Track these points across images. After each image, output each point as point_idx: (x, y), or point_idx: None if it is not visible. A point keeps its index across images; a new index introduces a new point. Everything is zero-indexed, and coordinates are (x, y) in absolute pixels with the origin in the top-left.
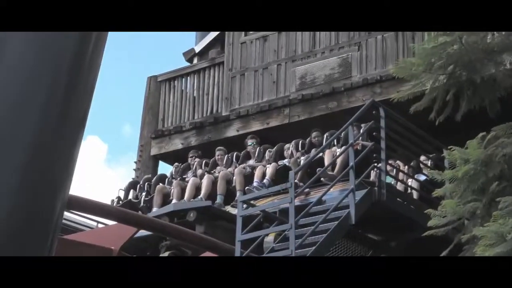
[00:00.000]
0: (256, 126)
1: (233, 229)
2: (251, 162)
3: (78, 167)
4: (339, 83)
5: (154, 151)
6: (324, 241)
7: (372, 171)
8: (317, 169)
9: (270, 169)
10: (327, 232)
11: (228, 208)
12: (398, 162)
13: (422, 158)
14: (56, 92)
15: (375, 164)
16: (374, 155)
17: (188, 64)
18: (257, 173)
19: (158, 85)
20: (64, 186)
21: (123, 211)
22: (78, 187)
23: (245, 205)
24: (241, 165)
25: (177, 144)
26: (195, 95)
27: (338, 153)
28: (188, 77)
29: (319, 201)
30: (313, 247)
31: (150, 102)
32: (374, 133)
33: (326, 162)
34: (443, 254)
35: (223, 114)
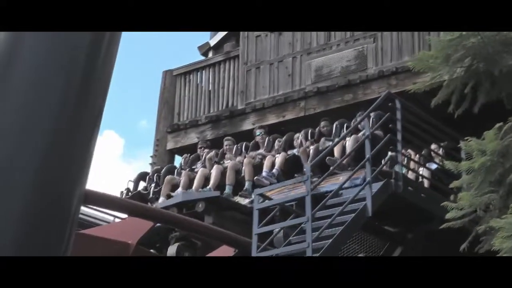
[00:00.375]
0: (271, 119)
1: (242, 220)
2: (260, 152)
3: (94, 162)
4: (354, 76)
5: (170, 145)
6: (341, 234)
7: (383, 161)
8: (327, 159)
9: (279, 158)
10: (344, 225)
11: (237, 199)
12: (409, 151)
13: (433, 146)
14: (72, 88)
15: (391, 155)
16: (390, 147)
17: (203, 58)
18: (266, 163)
19: (173, 79)
20: (80, 180)
21: (140, 206)
22: (95, 181)
23: (261, 199)
24: (250, 155)
25: (192, 138)
26: (210, 89)
27: (347, 143)
28: (203, 71)
29: (336, 194)
30: (330, 240)
31: (165, 96)
32: (390, 125)
33: (336, 152)
34: (463, 246)
35: (239, 107)
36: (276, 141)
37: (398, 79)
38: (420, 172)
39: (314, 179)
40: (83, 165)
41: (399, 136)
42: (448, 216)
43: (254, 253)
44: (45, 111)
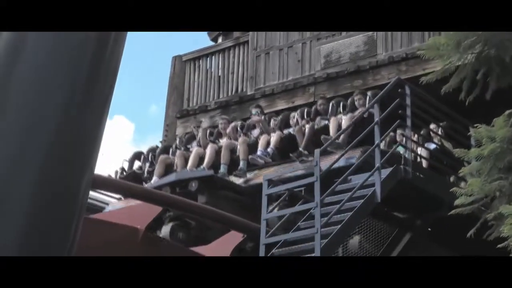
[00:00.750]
0: (281, 105)
1: (236, 199)
2: (256, 131)
3: (104, 146)
4: (364, 61)
5: (179, 130)
6: (349, 219)
7: (384, 141)
8: (322, 137)
9: (274, 137)
10: (352, 211)
11: (232, 178)
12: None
13: (432, 126)
14: (80, 73)
15: (402, 143)
16: (400, 132)
17: (212, 43)
18: (261, 142)
19: (183, 65)
20: (89, 165)
21: (148, 191)
22: (105, 166)
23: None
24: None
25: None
26: (220, 74)
27: (343, 121)
28: (213, 57)
29: (345, 179)
30: (339, 226)
31: (175, 82)
32: (399, 111)
33: (332, 130)
34: (470, 232)
35: (248, 93)
36: (272, 120)
37: (408, 65)
38: (419, 152)
39: (310, 158)
40: (92, 149)
41: (408, 122)
42: (457, 202)
43: (262, 239)
44: (53, 95)
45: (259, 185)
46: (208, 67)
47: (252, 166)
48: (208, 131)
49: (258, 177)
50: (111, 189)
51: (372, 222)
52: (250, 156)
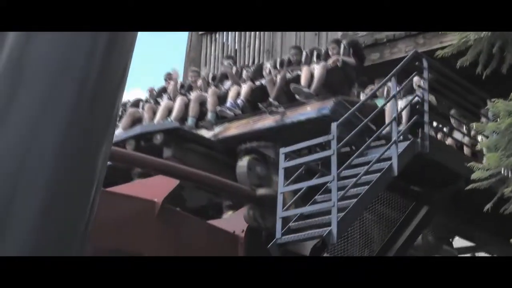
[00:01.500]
0: None
1: (205, 153)
2: (228, 83)
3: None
4: (381, 35)
5: None
6: (366, 193)
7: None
8: (292, 87)
9: (245, 88)
10: (369, 184)
11: (202, 132)
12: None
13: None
14: (96, 49)
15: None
16: (417, 106)
17: None
18: (231, 93)
19: (199, 38)
20: (106, 139)
21: (164, 163)
22: None
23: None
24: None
25: None
26: (236, 47)
27: (315, 70)
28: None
29: (361, 153)
30: (355, 199)
31: (191, 55)
32: (418, 85)
33: (303, 79)
34: (487, 207)
35: None
36: (244, 71)
37: (425, 38)
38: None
39: (280, 109)
40: (109, 123)
41: (426, 96)
42: (474, 176)
43: (279, 212)
44: (69, 72)
45: (230, 139)
46: (224, 41)
47: (222, 118)
48: (179, 84)
49: (228, 130)
50: (129, 163)
51: (388, 196)
52: (218, 108)
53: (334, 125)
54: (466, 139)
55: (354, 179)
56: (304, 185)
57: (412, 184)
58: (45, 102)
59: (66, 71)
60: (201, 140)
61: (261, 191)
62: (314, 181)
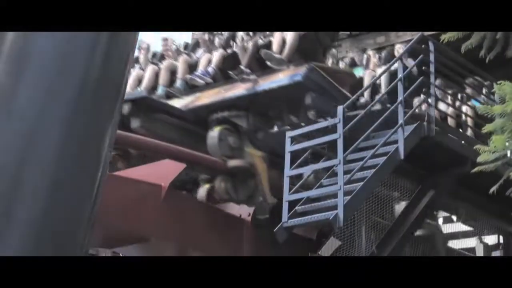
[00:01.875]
0: None
1: (174, 123)
2: (201, 51)
3: None
4: None
5: None
6: (372, 176)
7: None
8: (263, 53)
9: (216, 56)
10: (375, 168)
11: (173, 102)
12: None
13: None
14: (96, 49)
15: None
16: (424, 89)
17: None
18: (202, 61)
19: None
20: (107, 136)
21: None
22: None
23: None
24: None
25: None
26: None
27: (287, 36)
28: None
29: (368, 136)
30: (362, 182)
31: None
32: (423, 68)
33: (275, 45)
34: (493, 189)
35: None
36: (216, 38)
37: None
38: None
39: (252, 77)
40: (110, 121)
41: (432, 79)
42: (480, 159)
43: (286, 196)
44: (69, 79)
45: (201, 108)
46: None
47: (193, 88)
48: (151, 53)
49: (200, 99)
50: (134, 147)
51: (395, 179)
52: (188, 76)
53: (340, 108)
54: (450, 110)
55: (361, 163)
56: (310, 169)
57: (419, 168)
58: (45, 101)
59: (67, 70)
60: (171, 110)
61: (232, 162)
62: (321, 165)
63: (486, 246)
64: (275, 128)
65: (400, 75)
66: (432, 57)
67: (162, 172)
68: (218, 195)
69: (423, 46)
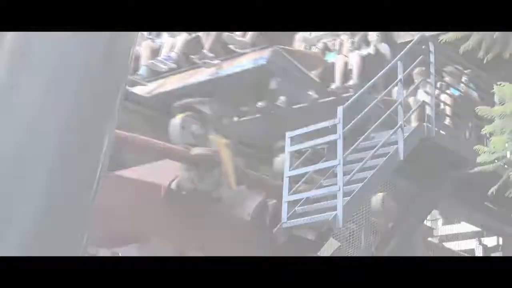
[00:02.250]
0: None
1: (137, 110)
2: (165, 35)
3: None
4: None
5: None
6: (372, 177)
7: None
8: (225, 34)
9: (179, 41)
10: (375, 168)
11: (136, 89)
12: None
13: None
14: (96, 49)
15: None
16: (424, 90)
17: None
18: (165, 45)
19: None
20: (107, 134)
21: (167, 147)
22: None
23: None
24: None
25: None
26: None
27: None
28: None
29: (367, 137)
30: (361, 183)
31: None
32: (423, 68)
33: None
34: (492, 189)
35: None
36: None
37: None
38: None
39: (215, 61)
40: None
41: (432, 79)
42: (479, 159)
43: (285, 196)
44: (69, 79)
45: (164, 95)
46: None
47: (157, 74)
48: None
49: (163, 85)
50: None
51: (395, 180)
52: (150, 61)
53: (340, 109)
54: (429, 99)
55: (360, 163)
56: (310, 169)
57: (419, 168)
58: (45, 101)
59: (67, 70)
60: (133, 97)
61: (196, 151)
62: (320, 165)
63: (485, 247)
64: (243, 116)
65: (400, 75)
66: (432, 57)
67: (162, 171)
68: (182, 185)
69: (423, 46)
